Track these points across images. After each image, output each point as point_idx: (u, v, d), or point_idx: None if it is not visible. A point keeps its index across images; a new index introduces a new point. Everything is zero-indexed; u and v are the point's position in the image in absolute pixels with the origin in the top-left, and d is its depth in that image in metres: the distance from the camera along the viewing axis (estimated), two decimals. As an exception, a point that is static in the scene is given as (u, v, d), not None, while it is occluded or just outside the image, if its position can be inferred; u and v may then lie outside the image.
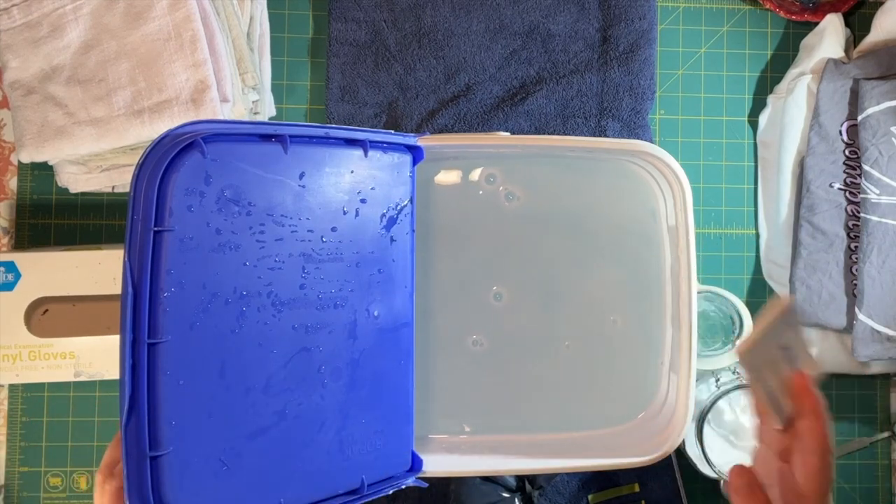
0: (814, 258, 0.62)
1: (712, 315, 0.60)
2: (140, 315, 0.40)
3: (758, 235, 0.67)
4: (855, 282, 0.61)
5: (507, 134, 0.60)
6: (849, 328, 0.61)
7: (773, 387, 0.41)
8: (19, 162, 0.61)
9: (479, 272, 0.58)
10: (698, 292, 0.56)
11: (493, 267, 0.58)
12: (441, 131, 0.63)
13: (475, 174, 0.58)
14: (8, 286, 0.54)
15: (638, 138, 0.63)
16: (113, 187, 0.60)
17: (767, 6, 0.66)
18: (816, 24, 0.64)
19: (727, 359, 0.58)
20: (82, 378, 0.54)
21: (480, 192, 0.58)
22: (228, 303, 0.43)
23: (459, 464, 0.55)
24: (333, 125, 0.48)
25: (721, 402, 0.59)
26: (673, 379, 0.56)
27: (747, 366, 0.41)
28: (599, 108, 0.64)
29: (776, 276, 0.66)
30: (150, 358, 0.40)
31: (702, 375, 0.60)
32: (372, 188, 0.50)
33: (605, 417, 0.58)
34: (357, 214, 0.49)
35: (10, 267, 0.54)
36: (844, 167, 0.62)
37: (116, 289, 0.43)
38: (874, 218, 0.60)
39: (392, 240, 0.51)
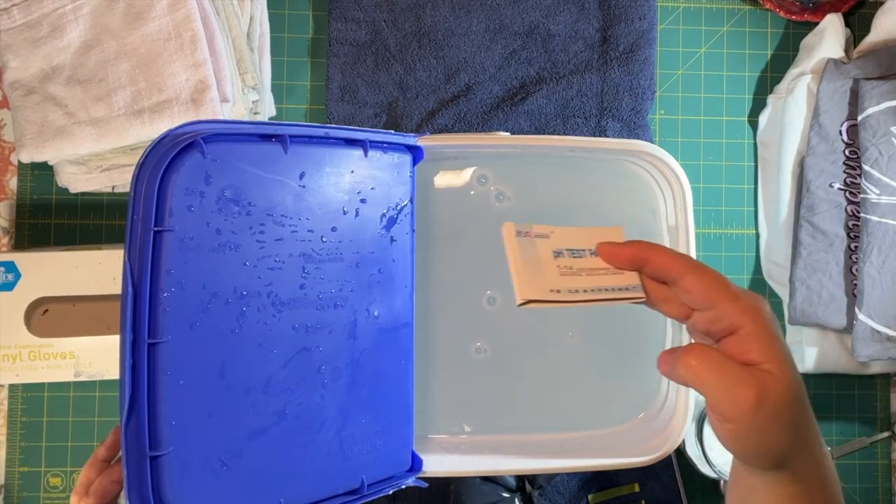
0: (814, 258, 0.62)
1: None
2: (140, 315, 0.40)
3: (758, 235, 0.67)
4: (855, 282, 0.61)
5: (507, 134, 0.60)
6: (849, 328, 0.61)
7: (600, 284, 0.36)
8: (19, 162, 0.61)
9: (473, 275, 0.58)
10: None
11: (487, 270, 0.58)
12: (441, 131, 0.63)
13: (469, 174, 0.58)
14: (8, 286, 0.54)
15: (638, 138, 0.63)
16: (113, 187, 0.60)
17: (767, 6, 0.66)
18: (816, 24, 0.64)
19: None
20: (82, 378, 0.54)
21: (472, 193, 0.58)
22: (228, 303, 0.43)
23: (459, 464, 0.55)
24: (333, 125, 0.48)
25: (721, 402, 0.59)
26: (673, 379, 0.56)
27: (551, 301, 0.34)
28: (599, 108, 0.64)
29: (776, 276, 0.66)
30: (150, 358, 0.40)
31: (702, 375, 0.60)
32: (372, 188, 0.50)
33: (605, 417, 0.58)
34: (357, 214, 0.49)
35: (10, 267, 0.54)
36: (844, 167, 0.62)
37: (116, 289, 0.43)
38: (874, 218, 0.60)
39: (392, 240, 0.51)
